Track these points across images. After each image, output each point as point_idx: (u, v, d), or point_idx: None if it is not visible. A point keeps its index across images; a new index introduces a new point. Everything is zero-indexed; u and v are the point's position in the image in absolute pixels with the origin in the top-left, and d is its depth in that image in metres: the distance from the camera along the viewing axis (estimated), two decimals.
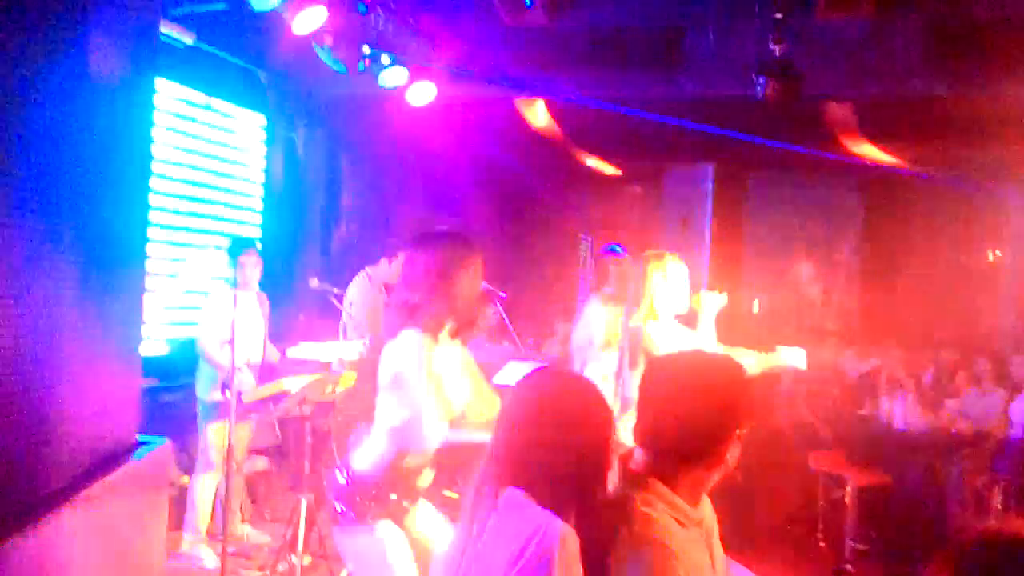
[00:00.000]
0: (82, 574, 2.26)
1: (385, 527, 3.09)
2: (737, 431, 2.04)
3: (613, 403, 4.54)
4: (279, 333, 6.09)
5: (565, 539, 1.88)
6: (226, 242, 6.07)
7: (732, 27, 6.83)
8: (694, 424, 2.02)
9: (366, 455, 3.17)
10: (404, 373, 3.08)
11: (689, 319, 4.53)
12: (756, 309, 9.95)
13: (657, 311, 4.34)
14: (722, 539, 2.20)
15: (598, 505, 2.02)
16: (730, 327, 4.66)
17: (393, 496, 3.12)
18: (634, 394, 4.44)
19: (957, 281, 10.15)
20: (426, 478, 3.22)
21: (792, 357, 4.47)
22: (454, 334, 3.28)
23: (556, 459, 1.99)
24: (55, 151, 2.19)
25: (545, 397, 2.09)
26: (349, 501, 3.10)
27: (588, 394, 2.10)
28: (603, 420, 2.08)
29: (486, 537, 2.00)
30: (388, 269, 5.89)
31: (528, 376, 2.21)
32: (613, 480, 2.14)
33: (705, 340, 4.39)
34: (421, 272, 3.22)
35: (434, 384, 3.10)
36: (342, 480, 3.15)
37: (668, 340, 4.27)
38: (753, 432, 2.08)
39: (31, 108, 2.07)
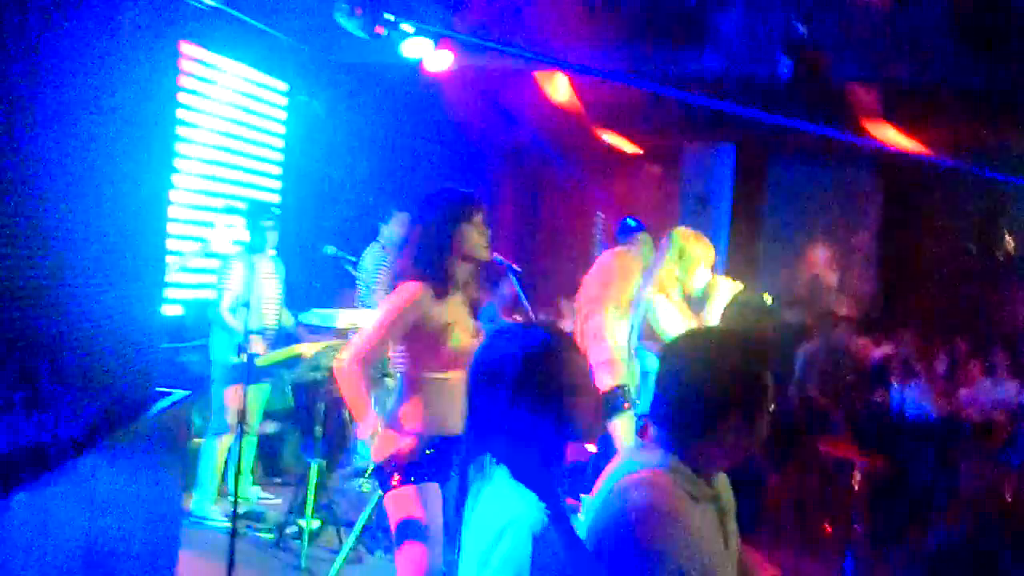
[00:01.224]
0: (101, 519, 2.28)
1: (430, 488, 3.11)
2: (755, 410, 2.02)
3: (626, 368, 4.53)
4: (295, 299, 6.10)
5: (539, 539, 1.73)
6: (244, 207, 6.06)
7: (757, 4, 6.75)
8: (706, 400, 1.98)
9: (398, 413, 3.20)
10: (380, 310, 3.16)
11: (697, 301, 4.50)
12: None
13: (670, 287, 4.30)
14: None
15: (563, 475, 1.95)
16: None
17: (429, 452, 3.12)
18: (646, 366, 4.43)
19: (975, 270, 10.07)
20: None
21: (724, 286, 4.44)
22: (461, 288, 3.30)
23: (519, 422, 1.87)
24: (79, 111, 2.18)
25: (505, 358, 1.90)
26: (398, 462, 3.10)
27: (547, 354, 1.90)
28: (571, 382, 1.91)
29: (478, 509, 1.91)
30: (391, 231, 5.87)
31: (495, 335, 2.01)
32: (627, 452, 2.13)
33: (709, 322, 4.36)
34: (423, 226, 3.25)
35: (447, 332, 3.14)
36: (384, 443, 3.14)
37: (673, 317, 4.25)
38: None
39: (51, 63, 2.06)
